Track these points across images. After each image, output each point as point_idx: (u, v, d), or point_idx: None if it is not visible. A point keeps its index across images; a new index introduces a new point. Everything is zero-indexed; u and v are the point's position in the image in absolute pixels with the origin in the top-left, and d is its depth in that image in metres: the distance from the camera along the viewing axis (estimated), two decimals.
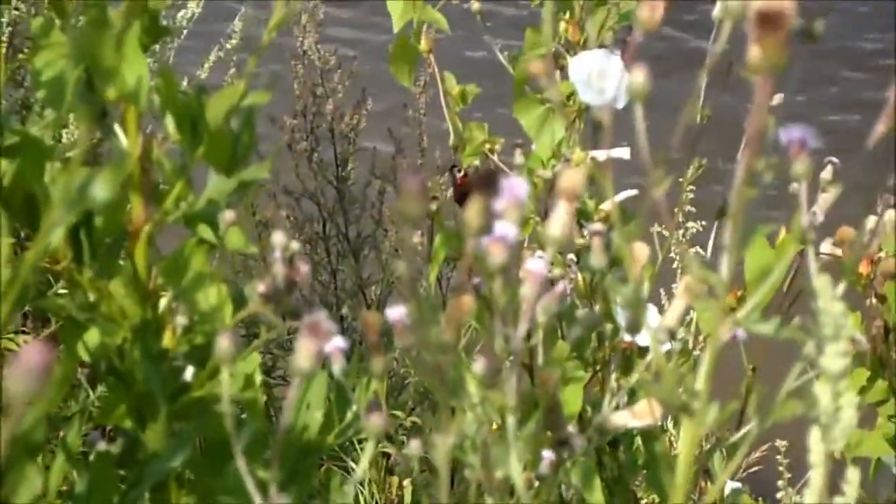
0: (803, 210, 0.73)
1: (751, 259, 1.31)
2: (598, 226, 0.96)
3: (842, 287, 0.70)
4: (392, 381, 2.63)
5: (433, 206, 1.60)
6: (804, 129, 0.73)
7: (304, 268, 1.02)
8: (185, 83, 2.56)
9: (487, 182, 0.70)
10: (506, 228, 0.72)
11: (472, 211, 0.71)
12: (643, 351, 1.54)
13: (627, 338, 1.49)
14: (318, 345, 0.77)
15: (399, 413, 2.62)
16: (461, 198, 1.63)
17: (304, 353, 0.77)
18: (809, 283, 0.75)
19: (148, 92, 1.08)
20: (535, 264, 0.89)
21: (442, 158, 3.04)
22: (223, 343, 0.81)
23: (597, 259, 0.96)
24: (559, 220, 0.76)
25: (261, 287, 1.01)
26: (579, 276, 1.55)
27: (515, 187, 0.75)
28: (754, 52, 0.67)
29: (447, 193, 1.76)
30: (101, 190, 0.83)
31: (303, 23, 3.04)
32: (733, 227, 0.70)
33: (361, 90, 3.03)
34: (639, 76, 0.70)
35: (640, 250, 0.96)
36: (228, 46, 2.66)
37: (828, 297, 0.63)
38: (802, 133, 0.73)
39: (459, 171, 1.63)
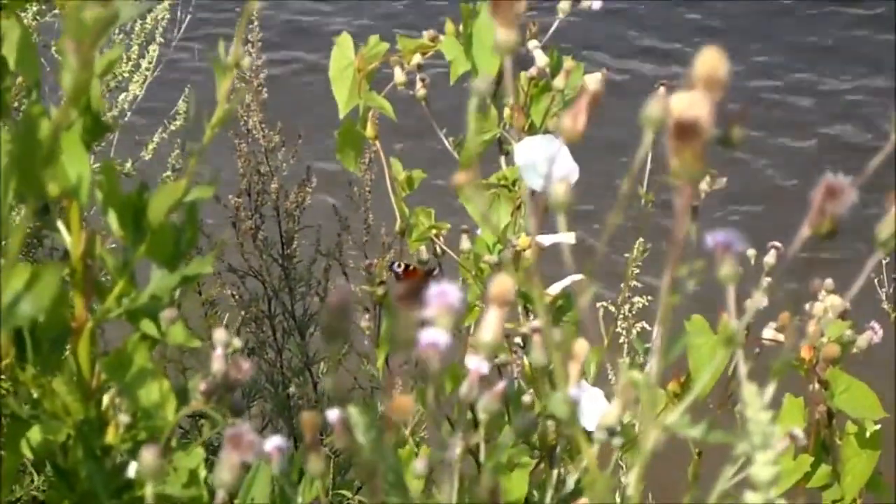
0: (732, 313, 0.75)
1: (692, 347, 1.33)
2: (537, 322, 0.97)
3: (771, 390, 0.71)
4: (339, 459, 2.63)
5: (380, 291, 1.61)
6: (729, 232, 0.75)
7: (245, 365, 1.03)
8: (129, 164, 2.57)
9: (412, 293, 0.71)
10: (436, 335, 0.73)
11: (401, 323, 0.72)
12: (590, 435, 1.55)
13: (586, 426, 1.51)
14: (240, 457, 0.77)
15: (346, 492, 2.61)
16: (405, 294, 1.64)
17: (226, 466, 0.77)
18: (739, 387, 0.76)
19: (90, 188, 1.09)
20: (474, 362, 0.90)
21: (388, 236, 3.05)
22: (147, 458, 0.81)
23: (537, 356, 0.98)
24: (490, 326, 0.77)
25: (202, 385, 1.02)
26: (526, 361, 1.57)
27: (446, 293, 0.76)
28: (671, 156, 0.68)
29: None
30: (30, 306, 0.83)
31: (247, 101, 3.05)
32: (661, 332, 0.71)
33: (306, 168, 3.03)
34: (560, 190, 0.71)
35: (580, 347, 0.97)
36: (172, 128, 2.66)
37: (756, 406, 0.64)
38: (728, 236, 0.75)
39: (399, 266, 1.65)
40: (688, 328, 1.36)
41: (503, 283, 0.76)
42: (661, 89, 1.68)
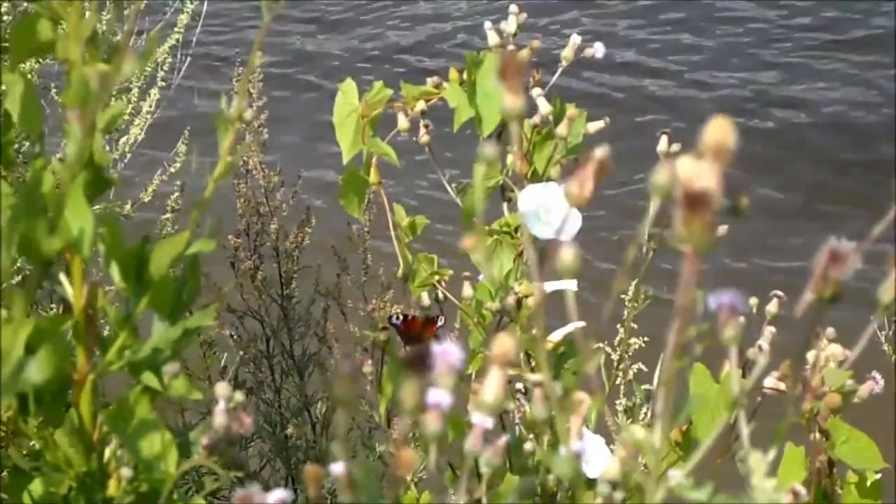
0: (735, 377, 0.75)
1: (694, 396, 1.33)
2: (538, 376, 0.97)
3: (772, 453, 0.71)
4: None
5: (383, 336, 1.61)
6: (732, 294, 0.75)
7: (247, 420, 1.03)
8: (128, 206, 2.57)
9: (419, 359, 0.72)
10: (439, 396, 0.74)
11: (407, 390, 0.72)
12: (592, 482, 1.55)
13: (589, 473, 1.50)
14: None
15: None
16: (410, 342, 1.64)
17: None
18: (740, 448, 0.76)
19: (92, 241, 1.09)
20: (478, 418, 0.90)
21: (386, 276, 3.05)
22: None
23: (538, 410, 0.98)
24: (493, 387, 0.77)
25: (204, 439, 1.02)
26: (527, 408, 1.57)
27: (448, 353, 0.76)
28: (681, 226, 0.69)
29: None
30: (37, 373, 0.83)
31: (246, 141, 3.06)
32: (665, 397, 0.71)
33: (306, 208, 3.04)
34: (567, 255, 0.71)
35: (581, 400, 0.98)
36: (172, 170, 2.67)
37: (761, 472, 0.64)
38: (731, 298, 0.75)
39: (398, 318, 1.65)
40: (690, 379, 1.36)
41: (505, 344, 0.76)
42: (664, 138, 1.69)
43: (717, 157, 0.66)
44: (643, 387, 2.95)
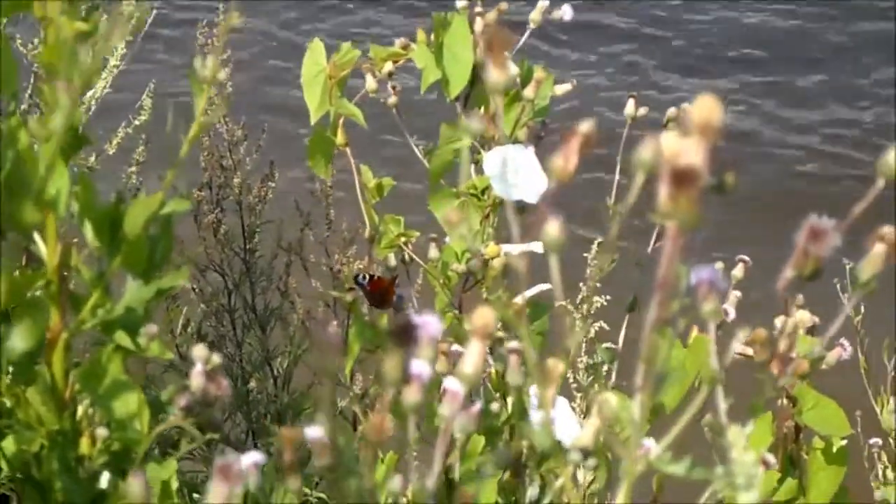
0: (713, 353, 0.76)
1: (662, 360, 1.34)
2: (515, 343, 0.98)
3: (748, 428, 0.72)
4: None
5: (349, 297, 1.61)
6: (712, 269, 0.76)
7: (223, 382, 1.03)
8: (92, 158, 2.56)
9: (404, 332, 0.72)
10: (421, 367, 0.74)
11: (391, 364, 0.72)
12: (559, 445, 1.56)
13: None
14: (229, 488, 0.77)
15: (306, 489, 2.62)
16: (375, 301, 1.65)
17: (216, 496, 0.77)
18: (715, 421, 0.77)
19: (67, 200, 1.09)
20: (453, 384, 0.90)
21: (349, 231, 3.05)
22: (134, 485, 0.81)
23: (513, 377, 0.99)
24: (473, 359, 0.77)
25: (181, 400, 1.02)
26: (492, 369, 1.58)
27: (428, 325, 0.76)
28: (665, 201, 0.69)
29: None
30: (20, 341, 0.83)
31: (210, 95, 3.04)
32: (646, 372, 0.72)
33: (269, 163, 3.03)
34: (553, 228, 0.72)
35: (554, 367, 0.98)
36: (137, 123, 2.66)
37: (741, 447, 0.65)
38: (711, 273, 0.76)
39: (364, 277, 1.65)
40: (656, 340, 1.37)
41: (485, 316, 0.77)
42: (631, 101, 1.69)
43: (703, 133, 0.66)
44: (605, 345, 2.98)
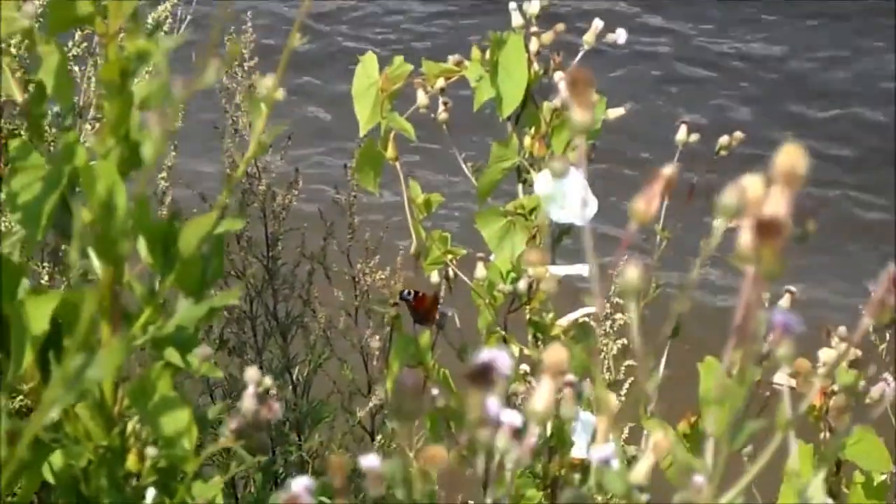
0: (787, 404, 0.76)
1: (706, 389, 1.34)
2: (571, 376, 0.98)
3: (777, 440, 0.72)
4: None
5: (392, 312, 1.62)
6: (788, 313, 0.76)
7: (275, 405, 1.03)
8: None
9: (481, 373, 0.72)
10: (512, 417, 0.75)
11: (471, 405, 0.72)
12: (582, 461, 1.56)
13: (578, 454, 1.51)
14: None
15: None
16: (419, 317, 1.65)
17: None
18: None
19: (124, 216, 1.09)
20: (511, 416, 0.90)
21: (372, 241, 3.06)
22: None
23: (567, 410, 0.99)
24: (544, 396, 0.77)
25: (232, 423, 1.03)
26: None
27: (498, 360, 0.76)
28: (745, 244, 0.69)
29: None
30: (99, 372, 0.83)
31: (237, 100, 3.04)
32: (719, 416, 0.72)
33: (294, 170, 3.03)
34: (633, 273, 0.72)
35: (612, 401, 0.98)
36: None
37: (819, 496, 0.65)
38: (787, 317, 0.76)
39: (409, 294, 1.66)
40: (701, 370, 1.38)
41: (558, 354, 0.77)
42: (683, 128, 1.69)
43: (787, 182, 0.66)
44: (627, 363, 2.98)
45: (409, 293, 1.65)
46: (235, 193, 3.03)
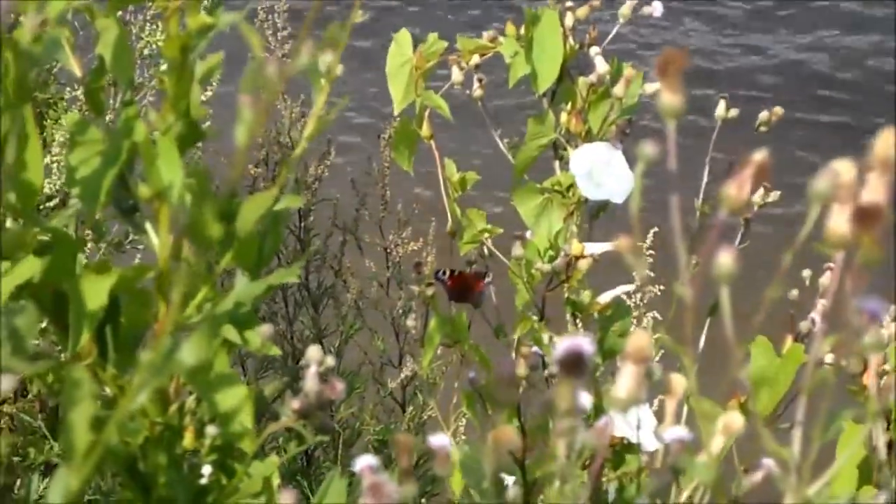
0: (873, 388, 0.75)
1: (756, 369, 1.33)
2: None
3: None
4: (422, 478, 2.64)
5: (429, 292, 1.60)
6: (878, 301, 0.75)
7: (339, 385, 1.03)
8: None
9: (574, 361, 0.71)
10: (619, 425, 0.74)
11: (561, 391, 0.71)
12: (632, 447, 1.56)
13: (617, 432, 1.51)
14: None
15: None
16: (456, 296, 1.64)
17: None
18: None
19: (181, 192, 1.08)
20: (605, 420, 0.90)
21: (405, 213, 3.05)
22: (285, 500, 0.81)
23: (637, 391, 0.98)
24: (627, 383, 0.76)
25: (295, 403, 1.02)
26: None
27: (584, 346, 0.75)
28: (837, 230, 0.68)
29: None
30: (190, 355, 0.82)
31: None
32: (807, 405, 0.71)
33: (326, 141, 3.03)
34: (726, 259, 0.71)
35: (677, 382, 0.97)
36: (203, 98, 2.66)
37: None
38: (875, 305, 0.75)
39: (444, 273, 1.65)
40: (752, 350, 1.37)
41: (640, 340, 0.76)
42: (722, 102, 1.68)
43: (886, 168, 0.65)
44: (656, 335, 2.96)
45: (443, 273, 1.64)
46: (268, 164, 3.03)
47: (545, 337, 1.58)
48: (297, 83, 3.18)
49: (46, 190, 2.45)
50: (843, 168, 0.68)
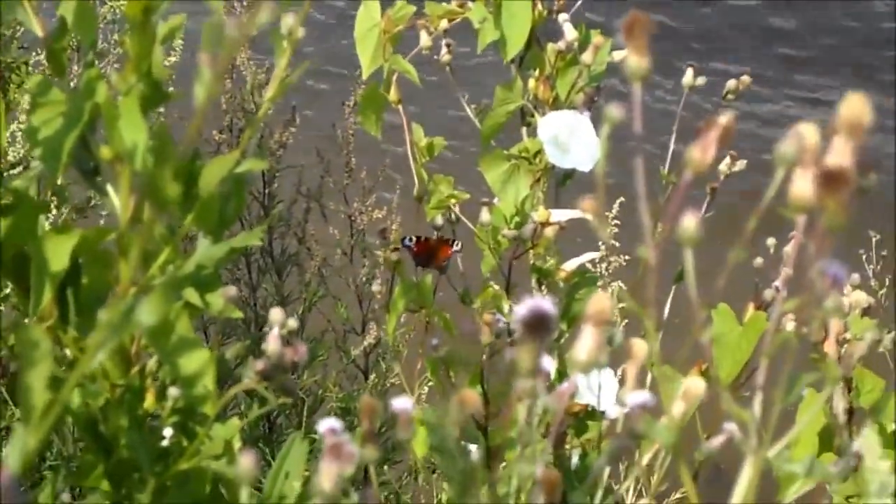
0: (832, 346, 0.75)
1: (718, 336, 1.33)
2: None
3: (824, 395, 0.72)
4: (385, 445, 2.63)
5: (394, 257, 1.60)
6: (839, 266, 0.75)
7: (302, 348, 1.02)
8: None
9: (538, 322, 0.71)
10: (577, 384, 0.74)
11: (523, 353, 0.71)
12: (595, 413, 1.56)
13: (581, 400, 1.51)
14: (341, 467, 0.77)
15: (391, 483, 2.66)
16: (422, 261, 1.64)
17: (326, 475, 0.77)
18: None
19: (144, 153, 1.07)
20: (568, 384, 0.90)
21: (368, 180, 3.04)
22: (245, 462, 0.81)
23: (599, 356, 0.98)
24: (587, 345, 0.76)
25: (258, 365, 1.01)
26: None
27: (546, 307, 0.75)
28: (801, 194, 0.68)
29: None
30: (148, 315, 0.82)
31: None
32: (768, 371, 0.71)
33: (292, 107, 3.01)
34: (690, 222, 0.71)
35: (640, 348, 0.97)
36: (167, 63, 2.64)
37: (875, 456, 0.65)
38: (837, 270, 0.75)
39: (410, 240, 1.64)
40: (714, 317, 1.37)
41: (601, 302, 0.76)
42: (690, 71, 1.68)
43: (851, 133, 0.65)
44: (620, 305, 2.96)
45: (409, 240, 1.64)
46: (232, 131, 3.01)
47: (506, 306, 1.58)
48: (262, 47, 3.16)
49: (10, 157, 2.43)
50: (808, 132, 0.68)
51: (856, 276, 1.41)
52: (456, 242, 1.63)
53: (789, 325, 1.44)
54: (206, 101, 0.75)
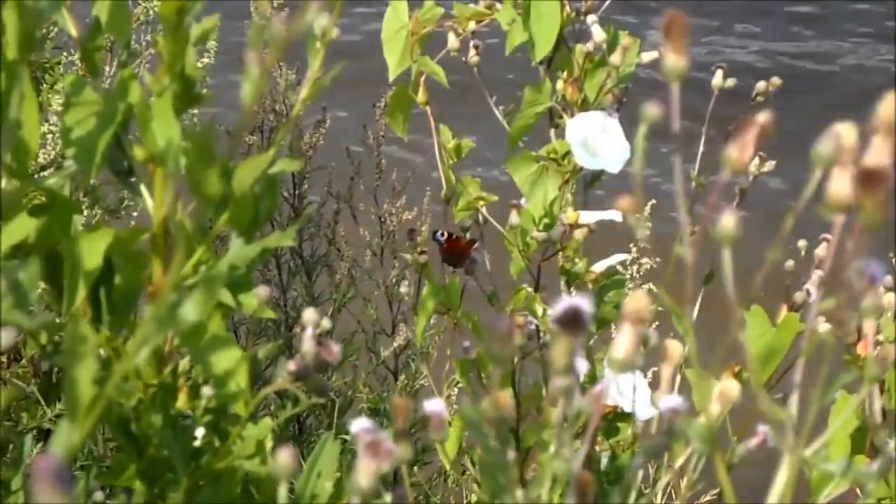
0: (869, 345, 0.75)
1: (752, 338, 1.33)
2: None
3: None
4: (416, 444, 2.63)
5: (422, 260, 1.60)
6: (879, 265, 0.75)
7: (335, 348, 1.02)
8: None
9: (573, 319, 0.71)
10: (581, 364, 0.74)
11: (558, 350, 0.71)
12: (626, 415, 1.55)
13: (611, 401, 1.50)
14: (378, 464, 0.77)
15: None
16: (450, 259, 1.64)
17: (363, 472, 0.77)
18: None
19: (177, 154, 1.07)
20: (602, 384, 0.90)
21: (399, 181, 3.04)
22: (282, 457, 0.81)
23: (634, 356, 0.97)
24: (624, 344, 0.76)
25: (291, 365, 1.02)
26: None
27: (582, 305, 0.75)
28: (839, 193, 0.68)
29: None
30: (192, 312, 0.82)
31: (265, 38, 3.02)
32: (803, 372, 0.71)
33: (322, 108, 3.01)
34: (729, 221, 0.70)
35: (674, 349, 0.97)
36: (200, 65, 2.64)
37: None
38: (875, 269, 0.74)
39: (442, 235, 1.64)
40: (747, 318, 1.37)
41: (638, 301, 0.75)
42: (720, 72, 1.67)
43: (890, 132, 0.65)
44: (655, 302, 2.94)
45: (441, 234, 1.63)
46: (262, 132, 3.02)
47: (539, 308, 1.57)
48: (295, 50, 3.16)
49: (42, 159, 2.44)
50: (845, 131, 0.68)
51: (888, 279, 1.40)
52: (476, 241, 1.63)
53: (822, 326, 1.43)
54: (253, 99, 0.75)
